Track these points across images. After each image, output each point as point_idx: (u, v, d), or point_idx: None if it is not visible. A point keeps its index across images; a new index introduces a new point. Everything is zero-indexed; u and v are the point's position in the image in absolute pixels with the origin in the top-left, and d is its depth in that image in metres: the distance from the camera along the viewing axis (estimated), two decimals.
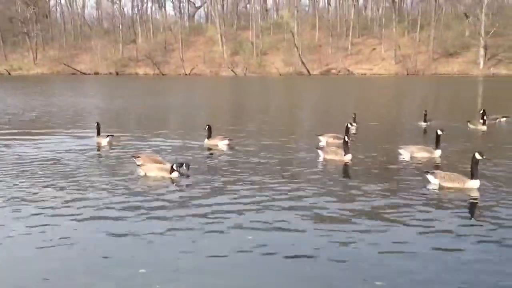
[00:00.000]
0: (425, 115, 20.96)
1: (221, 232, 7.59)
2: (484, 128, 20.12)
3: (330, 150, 13.73)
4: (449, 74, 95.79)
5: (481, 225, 7.90)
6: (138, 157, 12.74)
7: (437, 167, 12.60)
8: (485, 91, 53.28)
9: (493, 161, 12.25)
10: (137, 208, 8.88)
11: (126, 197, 9.65)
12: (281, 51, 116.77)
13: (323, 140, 16.87)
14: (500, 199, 9.34)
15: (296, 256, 6.64)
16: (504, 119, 22.22)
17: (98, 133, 17.43)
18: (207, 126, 16.87)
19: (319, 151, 14.05)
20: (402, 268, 6.27)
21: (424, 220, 8.11)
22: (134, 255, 6.71)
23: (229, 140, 14.79)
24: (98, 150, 15.88)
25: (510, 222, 8.04)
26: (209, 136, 16.76)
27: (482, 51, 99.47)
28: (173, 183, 10.87)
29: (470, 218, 8.51)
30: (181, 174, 11.33)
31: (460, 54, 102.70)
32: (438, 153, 13.94)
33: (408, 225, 7.91)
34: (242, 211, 8.64)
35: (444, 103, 38.64)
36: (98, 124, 17.60)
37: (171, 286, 5.82)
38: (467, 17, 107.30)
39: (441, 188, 10.12)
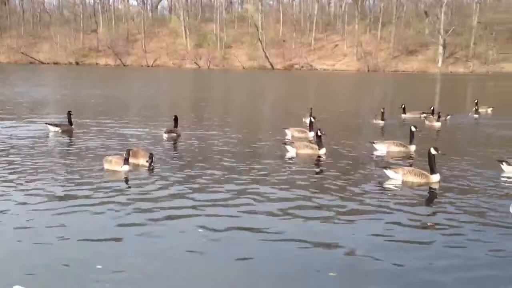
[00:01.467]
0: (383, 113, 21.28)
1: (174, 226, 7.47)
2: (438, 124, 20.58)
3: (303, 145, 13.77)
4: (409, 72, 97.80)
5: (442, 217, 8.11)
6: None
7: (411, 161, 12.99)
8: (442, 89, 54.66)
9: (450, 156, 12.54)
10: (83, 198, 8.71)
11: (78, 189, 9.45)
12: (245, 44, 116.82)
13: (289, 134, 17.06)
14: (459, 191, 9.65)
15: (250, 251, 6.61)
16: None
17: (70, 123, 17.33)
18: (174, 117, 16.90)
19: (289, 146, 13.81)
20: (358, 260, 6.35)
21: (386, 213, 8.25)
22: (89, 249, 6.55)
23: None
24: (68, 138, 15.59)
25: (468, 213, 8.31)
26: (175, 126, 16.78)
27: (441, 49, 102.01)
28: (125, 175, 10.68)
29: (430, 210, 8.72)
30: (148, 167, 11.19)
31: (420, 52, 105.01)
32: (413, 148, 14.21)
33: (372, 218, 8.03)
34: (205, 204, 8.50)
35: (402, 100, 39.41)
36: (69, 113, 17.49)
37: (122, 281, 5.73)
38: (427, 15, 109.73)
39: (404, 182, 10.32)
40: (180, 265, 6.13)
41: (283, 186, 9.84)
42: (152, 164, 11.31)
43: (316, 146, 13.61)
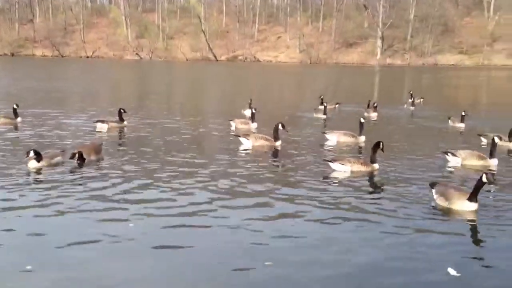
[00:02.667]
0: (325, 107, 21.81)
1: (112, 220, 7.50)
2: (375, 114, 21.27)
3: (258, 137, 13.91)
4: (349, 64, 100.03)
5: (382, 203, 8.57)
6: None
7: (361, 151, 13.61)
8: (381, 81, 56.38)
9: (392, 147, 13.15)
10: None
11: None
12: (188, 36, 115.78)
13: (233, 125, 17.25)
14: (395, 178, 10.32)
15: (185, 244, 6.75)
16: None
17: (16, 115, 17.03)
18: (120, 110, 16.79)
19: (244, 138, 13.81)
20: (292, 249, 6.55)
21: (332, 203, 8.49)
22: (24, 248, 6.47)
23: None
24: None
25: (407, 197, 8.85)
26: (120, 119, 16.69)
27: (379, 42, 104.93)
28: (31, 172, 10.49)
29: (371, 194, 9.19)
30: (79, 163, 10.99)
31: (359, 45, 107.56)
32: (362, 138, 14.73)
33: (318, 206, 8.28)
34: (155, 198, 8.55)
35: (342, 90, 40.41)
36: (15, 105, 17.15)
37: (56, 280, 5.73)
38: (366, 8, 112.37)
39: (352, 172, 10.73)
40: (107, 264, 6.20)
41: (238, 180, 9.91)
42: (78, 161, 10.84)
43: (271, 138, 13.86)
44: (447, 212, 8.14)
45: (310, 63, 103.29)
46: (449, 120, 19.08)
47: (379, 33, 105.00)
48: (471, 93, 41.43)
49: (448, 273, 5.87)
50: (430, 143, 14.91)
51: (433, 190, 8.61)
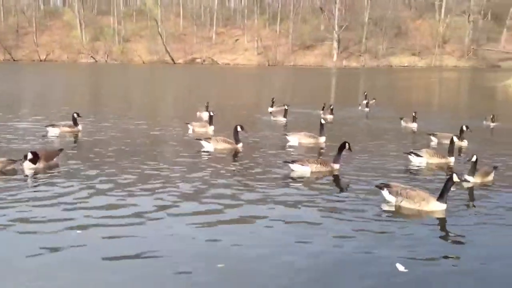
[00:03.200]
0: (286, 110, 22.13)
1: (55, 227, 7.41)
2: (331, 117, 21.55)
3: (220, 139, 13.91)
4: (307, 66, 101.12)
5: (340, 203, 8.79)
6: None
7: (322, 152, 13.93)
8: (337, 83, 57.32)
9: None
10: None
11: None
12: (145, 38, 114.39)
13: (190, 128, 17.23)
14: (354, 178, 10.59)
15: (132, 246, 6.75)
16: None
17: None
18: (74, 114, 16.54)
19: (205, 142, 13.80)
20: (245, 251, 6.62)
21: (289, 204, 8.64)
22: None
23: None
24: None
25: (364, 197, 9.12)
26: (75, 124, 16.43)
27: (335, 45, 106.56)
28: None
29: (329, 195, 9.33)
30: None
31: (316, 47, 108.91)
32: (322, 139, 15.12)
33: (277, 208, 8.41)
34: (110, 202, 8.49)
35: (300, 93, 40.85)
36: None
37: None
38: (322, 11, 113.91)
39: (311, 173, 10.96)
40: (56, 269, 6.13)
41: (198, 183, 9.91)
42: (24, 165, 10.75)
43: (232, 141, 13.93)
44: (405, 212, 8.35)
45: (268, 65, 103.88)
46: (402, 121, 19.62)
47: (335, 36, 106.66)
48: (423, 93, 42.66)
49: (396, 268, 6.08)
50: (386, 144, 15.34)
51: (386, 192, 8.68)
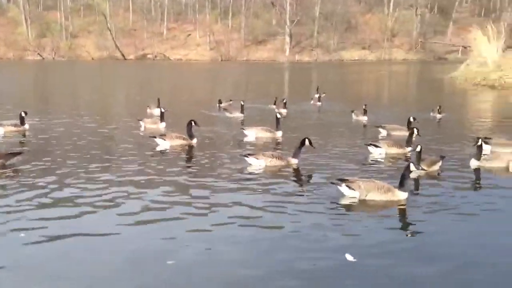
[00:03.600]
0: (242, 106, 22.12)
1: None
2: (285, 111, 21.62)
3: (174, 136, 13.77)
4: (259, 61, 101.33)
5: (300, 194, 9.00)
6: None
7: (278, 146, 14.00)
8: (290, 77, 57.68)
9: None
10: None
11: None
12: (93, 34, 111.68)
13: (142, 125, 17.02)
14: (313, 170, 10.76)
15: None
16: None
17: None
18: (21, 113, 16.01)
19: (160, 139, 13.65)
20: (197, 247, 6.55)
21: (243, 200, 8.57)
22: None
23: None
24: None
25: (320, 191, 9.17)
26: (22, 123, 15.91)
27: (287, 39, 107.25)
28: None
29: (285, 189, 9.39)
30: None
31: (269, 42, 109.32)
32: (279, 133, 15.22)
33: (230, 203, 8.31)
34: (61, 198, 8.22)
35: (253, 87, 40.90)
36: None
37: None
38: (274, 6, 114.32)
39: (267, 166, 10.99)
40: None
41: (152, 180, 9.78)
42: None
43: (187, 137, 13.85)
44: (365, 204, 8.47)
45: (221, 60, 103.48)
46: (353, 114, 19.92)
47: (287, 30, 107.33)
48: (373, 87, 43.51)
49: (345, 258, 6.19)
50: (338, 137, 15.53)
51: (345, 187, 8.70)
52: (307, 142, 11.30)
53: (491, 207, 8.30)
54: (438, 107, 20.53)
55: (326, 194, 8.95)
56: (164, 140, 13.67)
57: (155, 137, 13.82)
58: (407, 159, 11.74)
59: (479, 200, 8.69)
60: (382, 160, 12.07)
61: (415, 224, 7.58)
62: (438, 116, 20.23)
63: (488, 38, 39.42)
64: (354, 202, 8.54)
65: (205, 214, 7.88)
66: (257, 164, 11.04)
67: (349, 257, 6.20)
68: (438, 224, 7.49)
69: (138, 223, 7.42)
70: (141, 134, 15.81)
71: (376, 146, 12.62)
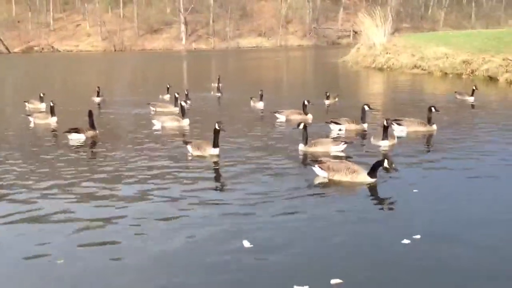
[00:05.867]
0: (98, 91, 21.80)
1: None
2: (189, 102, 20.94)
3: (86, 128, 13.43)
4: (156, 50, 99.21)
5: (222, 185, 9.06)
6: None
7: (184, 134, 14.04)
8: (188, 66, 56.84)
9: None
10: None
11: None
12: None
13: (32, 120, 16.37)
14: (235, 160, 10.57)
15: None
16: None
17: None
18: None
19: (76, 134, 13.16)
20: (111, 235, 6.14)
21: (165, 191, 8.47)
22: None
23: None
24: None
25: (244, 176, 9.24)
26: None
27: (183, 28, 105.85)
28: None
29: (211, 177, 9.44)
30: None
31: (164, 31, 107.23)
32: (186, 122, 15.30)
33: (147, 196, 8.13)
34: None
35: (152, 78, 39.78)
36: None
37: None
38: None
39: (192, 155, 10.93)
40: None
41: (50, 174, 8.93)
42: None
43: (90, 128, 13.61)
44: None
45: (115, 50, 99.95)
46: (251, 100, 19.85)
47: (182, 19, 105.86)
48: (271, 73, 43.97)
49: (243, 245, 6.15)
50: (240, 124, 15.29)
51: (317, 168, 9.00)
52: (216, 126, 10.85)
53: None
54: (327, 94, 20.36)
55: (252, 182, 8.85)
56: (79, 133, 13.20)
57: (69, 132, 13.16)
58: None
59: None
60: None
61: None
62: (327, 102, 20.10)
63: (375, 23, 41.23)
64: (328, 182, 8.81)
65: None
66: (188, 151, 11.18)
67: (246, 244, 6.16)
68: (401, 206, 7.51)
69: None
70: (32, 129, 15.47)
71: (336, 123, 13.85)
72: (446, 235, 6.43)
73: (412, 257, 5.81)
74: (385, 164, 8.62)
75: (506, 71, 25.89)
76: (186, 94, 21.45)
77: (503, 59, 26.93)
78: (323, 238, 6.41)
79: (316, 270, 5.55)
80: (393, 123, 12.79)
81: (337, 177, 8.83)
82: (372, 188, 8.50)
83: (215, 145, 10.91)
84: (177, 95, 18.54)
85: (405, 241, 6.17)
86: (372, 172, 8.72)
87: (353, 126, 13.82)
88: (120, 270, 5.66)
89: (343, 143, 11.22)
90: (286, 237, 6.42)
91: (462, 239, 6.28)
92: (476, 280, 5.28)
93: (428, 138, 12.77)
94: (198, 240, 6.38)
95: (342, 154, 10.95)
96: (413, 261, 5.71)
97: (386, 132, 11.57)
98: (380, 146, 11.51)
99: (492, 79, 26.24)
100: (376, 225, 6.88)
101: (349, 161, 9.55)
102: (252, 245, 6.10)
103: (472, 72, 28.83)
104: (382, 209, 7.69)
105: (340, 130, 13.74)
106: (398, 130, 13.28)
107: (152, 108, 18.28)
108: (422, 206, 7.52)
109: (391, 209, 7.65)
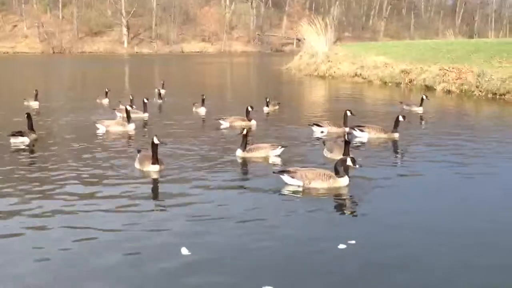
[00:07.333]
0: (36, 94, 21.20)
1: None
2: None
3: (28, 131, 13.07)
4: (97, 53, 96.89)
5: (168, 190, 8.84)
6: None
7: (130, 138, 14.05)
8: (130, 69, 55.78)
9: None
10: None
11: None
12: None
13: None
14: (176, 176, 9.88)
15: None
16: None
17: None
18: None
19: (21, 137, 12.69)
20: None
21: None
22: None
23: None
24: None
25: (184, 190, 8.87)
26: None
27: (125, 31, 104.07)
28: None
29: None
30: None
31: (105, 33, 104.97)
32: (131, 126, 15.08)
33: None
34: None
35: (92, 81, 38.80)
36: None
37: None
38: None
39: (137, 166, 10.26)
40: None
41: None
42: None
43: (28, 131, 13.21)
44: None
45: (54, 53, 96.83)
46: (193, 106, 19.74)
47: (124, 22, 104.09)
48: (215, 79, 43.90)
49: (181, 252, 6.14)
50: (188, 132, 15.10)
51: (287, 177, 8.73)
52: (155, 139, 9.97)
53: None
54: (267, 99, 20.33)
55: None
56: (24, 136, 12.79)
57: (15, 135, 12.71)
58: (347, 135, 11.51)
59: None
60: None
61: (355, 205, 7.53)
62: (266, 109, 20.04)
63: (317, 32, 42.01)
64: (303, 190, 8.62)
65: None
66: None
67: (184, 251, 6.13)
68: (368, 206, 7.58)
69: None
70: None
71: (319, 126, 14.35)
72: (382, 241, 6.63)
73: (345, 263, 5.94)
74: (348, 162, 8.66)
75: (443, 81, 26.97)
76: (130, 100, 20.91)
77: (440, 69, 28.04)
78: (258, 245, 6.47)
79: (246, 277, 5.59)
80: (356, 128, 13.79)
81: (314, 184, 8.62)
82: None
83: (154, 161, 9.98)
84: (146, 101, 18.09)
85: (341, 246, 6.32)
86: (341, 173, 8.66)
87: (335, 129, 14.24)
88: None
89: (280, 147, 11.35)
90: (217, 244, 6.48)
91: (399, 245, 6.48)
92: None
93: (388, 145, 12.99)
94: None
95: (279, 158, 11.18)
96: (347, 267, 5.84)
97: (348, 147, 10.48)
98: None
99: (429, 88, 27.27)
100: (316, 230, 7.00)
101: (306, 167, 9.33)
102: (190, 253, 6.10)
103: (411, 81, 29.88)
104: (323, 214, 7.79)
105: (322, 132, 14.18)
106: (360, 136, 13.66)
107: (118, 114, 17.86)
108: (366, 212, 7.74)
109: (332, 214, 7.80)
